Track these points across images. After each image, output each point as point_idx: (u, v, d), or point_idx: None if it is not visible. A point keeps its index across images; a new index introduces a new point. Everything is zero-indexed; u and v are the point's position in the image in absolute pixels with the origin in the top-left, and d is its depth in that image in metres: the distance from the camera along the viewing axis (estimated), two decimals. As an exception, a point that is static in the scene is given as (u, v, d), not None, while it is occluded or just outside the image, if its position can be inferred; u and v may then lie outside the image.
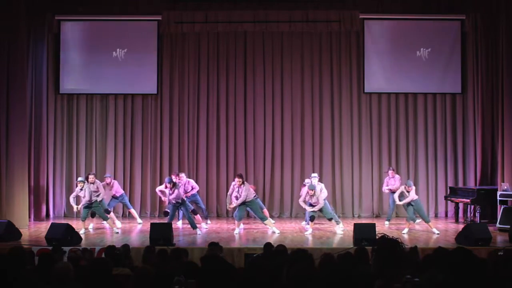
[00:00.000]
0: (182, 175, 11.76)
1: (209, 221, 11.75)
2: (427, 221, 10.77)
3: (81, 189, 10.77)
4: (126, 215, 13.02)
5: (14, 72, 11.45)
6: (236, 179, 10.74)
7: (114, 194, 11.83)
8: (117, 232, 10.71)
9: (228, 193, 11.02)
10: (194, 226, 10.44)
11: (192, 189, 11.71)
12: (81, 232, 10.25)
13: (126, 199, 12.23)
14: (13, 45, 11.43)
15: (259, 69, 13.51)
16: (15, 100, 11.45)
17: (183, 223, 11.65)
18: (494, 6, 12.57)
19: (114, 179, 12.62)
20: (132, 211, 12.26)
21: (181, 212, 11.42)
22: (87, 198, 10.70)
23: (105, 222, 11.08)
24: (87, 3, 13.10)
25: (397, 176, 12.09)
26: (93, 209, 10.77)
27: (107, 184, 11.71)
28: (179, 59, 13.54)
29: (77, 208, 11.19)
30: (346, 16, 13.03)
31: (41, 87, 12.74)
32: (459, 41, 13.34)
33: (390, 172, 12.09)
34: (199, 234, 10.28)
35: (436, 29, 13.41)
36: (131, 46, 13.40)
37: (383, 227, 11.08)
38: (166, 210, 11.03)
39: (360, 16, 13.13)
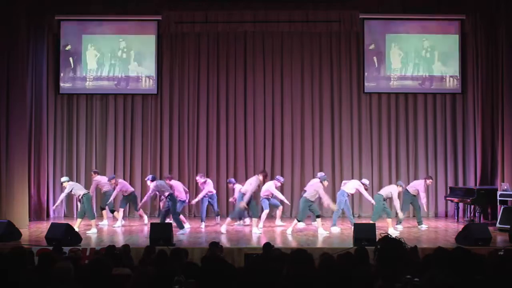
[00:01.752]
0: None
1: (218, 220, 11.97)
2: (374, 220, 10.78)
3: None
4: (125, 215, 13.00)
5: (14, 72, 11.43)
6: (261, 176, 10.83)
7: (124, 193, 11.87)
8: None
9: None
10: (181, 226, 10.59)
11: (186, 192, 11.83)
12: (92, 231, 10.56)
13: (137, 200, 12.14)
14: (13, 45, 11.41)
15: (259, 69, 13.51)
16: (15, 100, 11.44)
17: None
18: (494, 6, 12.57)
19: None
20: (141, 211, 12.24)
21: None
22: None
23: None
24: (87, 3, 13.10)
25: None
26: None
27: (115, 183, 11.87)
28: (179, 59, 13.54)
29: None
30: (346, 16, 13.04)
31: (41, 87, 12.76)
32: (459, 41, 13.35)
33: None
34: (183, 234, 10.34)
35: (436, 29, 13.43)
36: (131, 46, 13.43)
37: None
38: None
39: (360, 16, 13.15)
